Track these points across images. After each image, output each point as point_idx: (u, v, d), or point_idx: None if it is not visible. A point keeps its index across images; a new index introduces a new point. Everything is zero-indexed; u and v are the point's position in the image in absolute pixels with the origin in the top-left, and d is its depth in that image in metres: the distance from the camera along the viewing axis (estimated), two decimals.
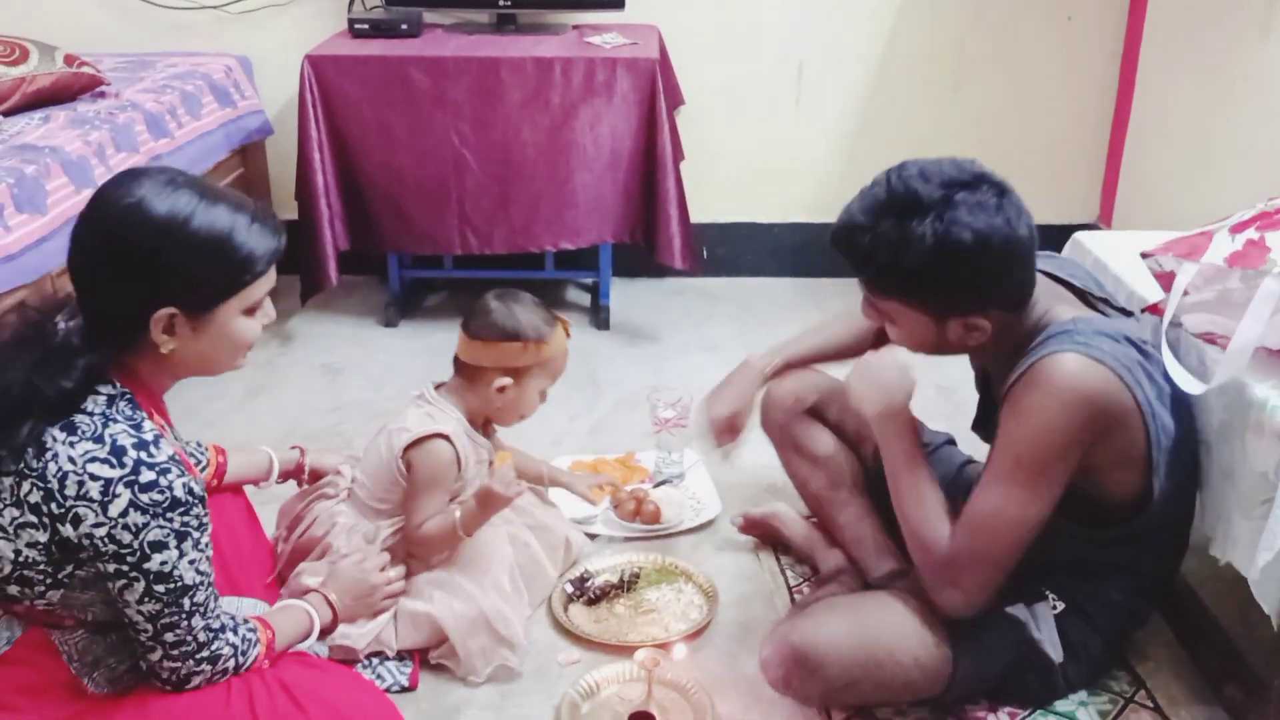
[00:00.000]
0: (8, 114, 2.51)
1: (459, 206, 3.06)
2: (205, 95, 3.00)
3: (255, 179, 3.30)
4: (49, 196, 2.16)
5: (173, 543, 1.31)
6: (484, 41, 3.14)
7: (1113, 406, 1.53)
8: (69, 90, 2.68)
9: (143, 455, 1.30)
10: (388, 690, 1.77)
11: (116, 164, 2.43)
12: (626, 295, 3.55)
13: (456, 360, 1.96)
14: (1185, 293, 1.70)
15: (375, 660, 1.83)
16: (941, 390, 2.86)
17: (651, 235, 3.11)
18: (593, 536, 2.22)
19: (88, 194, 2.24)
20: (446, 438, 1.87)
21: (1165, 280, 1.76)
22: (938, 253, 1.47)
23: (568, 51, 3.02)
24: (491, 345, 1.90)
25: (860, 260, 1.54)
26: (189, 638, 1.37)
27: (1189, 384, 1.63)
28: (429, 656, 1.86)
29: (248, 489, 1.93)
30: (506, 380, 1.91)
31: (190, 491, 1.32)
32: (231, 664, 1.42)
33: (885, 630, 1.58)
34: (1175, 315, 1.71)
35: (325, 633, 1.67)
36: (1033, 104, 3.57)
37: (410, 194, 3.06)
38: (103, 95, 2.76)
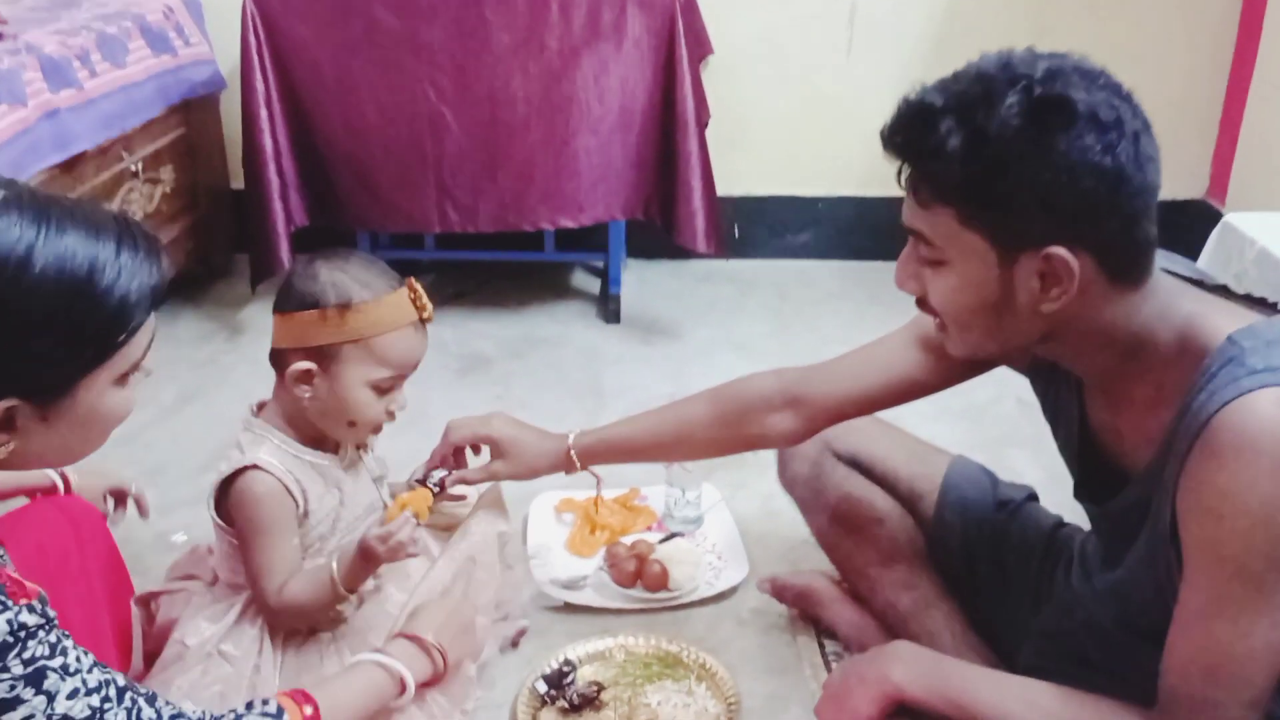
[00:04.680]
0: None
1: (436, 175, 2.61)
2: (133, 39, 2.51)
3: (201, 141, 2.83)
4: None
5: (28, 693, 0.96)
6: None
7: None
8: None
9: None
10: None
11: None
12: (641, 281, 3.14)
13: (271, 354, 1.51)
14: None
15: None
16: (1024, 405, 2.33)
17: (669, 211, 2.68)
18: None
19: None
20: (257, 467, 1.43)
21: None
22: (1031, 121, 1.04)
23: None
24: (285, 318, 1.45)
25: (917, 141, 1.10)
26: None
27: None
28: None
29: None
30: (307, 364, 1.43)
31: (18, 628, 0.95)
32: None
33: None
34: None
35: (428, 685, 1.40)
36: (1130, 56, 3.00)
37: (378, 160, 2.61)
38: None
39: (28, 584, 0.99)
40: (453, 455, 1.61)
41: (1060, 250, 1.06)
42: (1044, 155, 1.03)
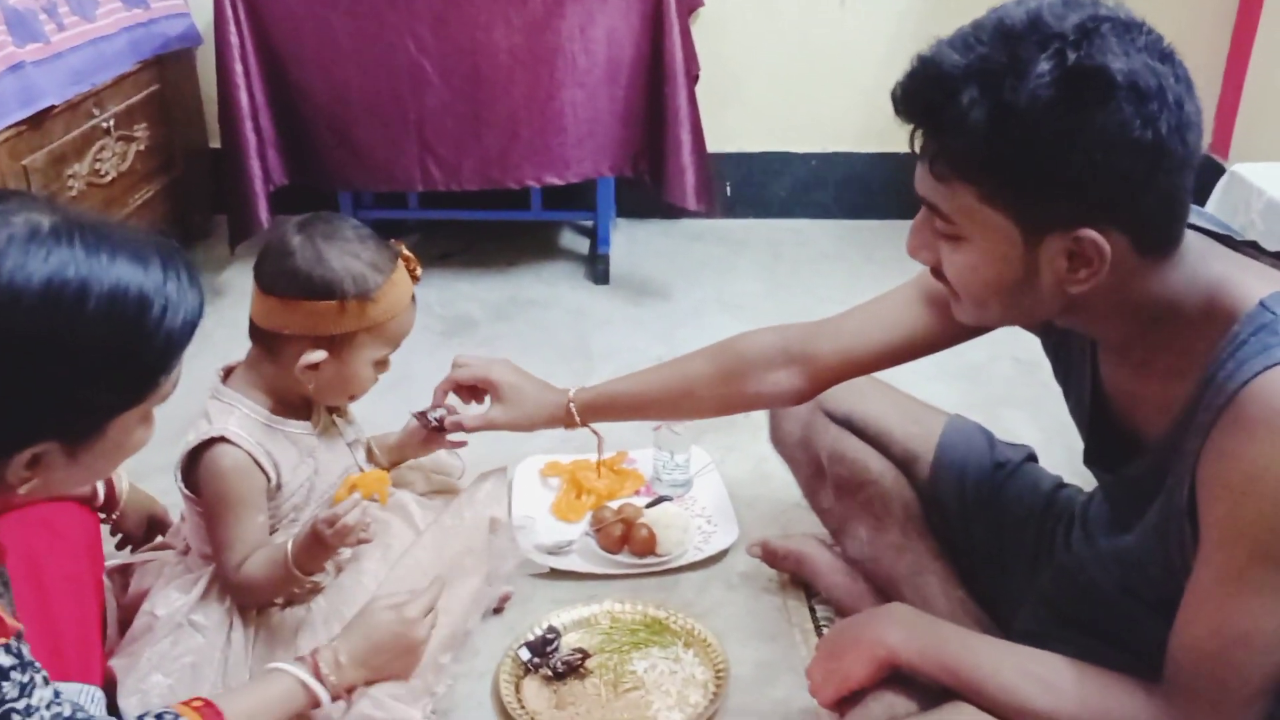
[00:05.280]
0: None
1: (418, 131, 2.52)
2: None
3: (177, 98, 2.73)
4: None
5: None
6: None
7: None
8: None
9: None
10: None
11: None
12: (631, 241, 3.07)
13: (250, 323, 1.43)
14: None
15: None
16: (1021, 365, 2.28)
17: (658, 168, 2.58)
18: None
19: None
20: (225, 439, 1.36)
21: None
22: (1064, 94, 0.92)
23: None
24: (293, 305, 1.35)
25: (936, 105, 0.98)
26: None
27: None
28: None
29: None
30: (318, 355, 1.37)
31: None
32: None
33: None
34: None
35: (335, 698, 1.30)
36: (1131, 7, 2.93)
37: (358, 116, 2.53)
38: None
39: (8, 621, 0.94)
40: (459, 394, 1.56)
41: (1091, 233, 0.97)
42: (1078, 132, 0.93)
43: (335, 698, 1.28)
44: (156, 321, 0.91)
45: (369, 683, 1.32)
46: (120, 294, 0.89)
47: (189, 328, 0.95)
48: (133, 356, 0.92)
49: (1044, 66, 0.92)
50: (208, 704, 1.13)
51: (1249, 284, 1.02)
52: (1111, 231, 0.98)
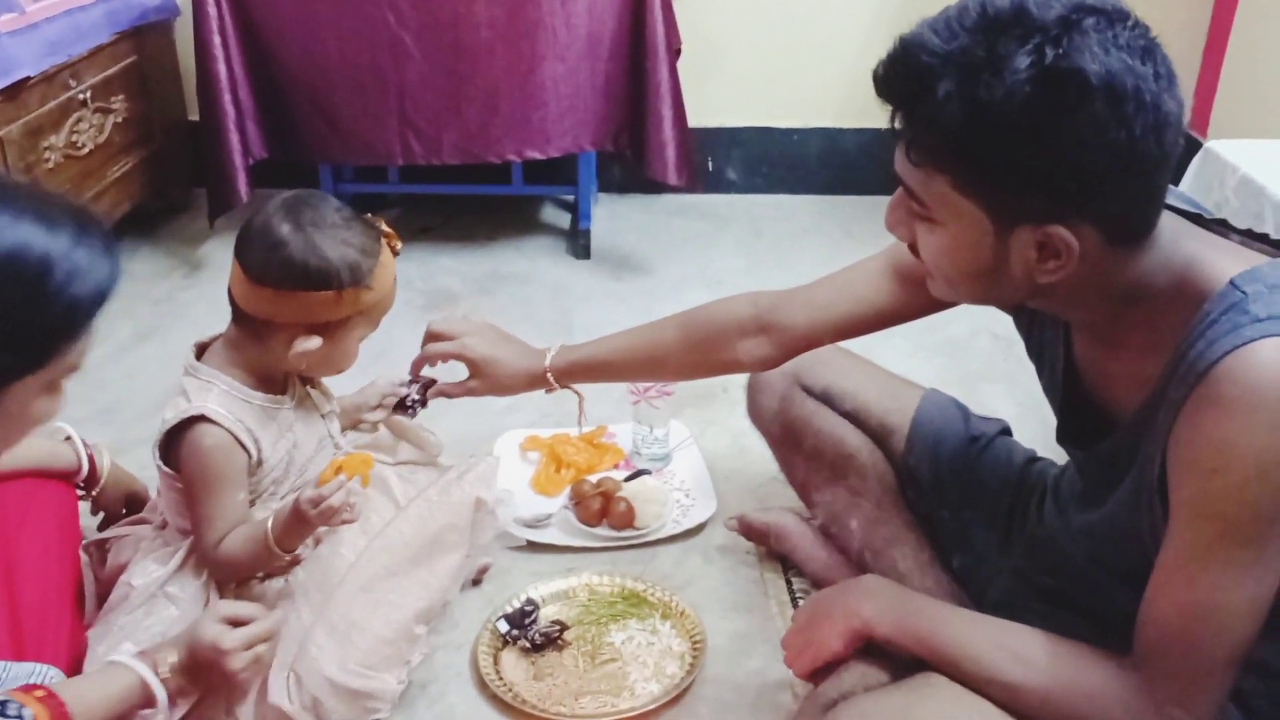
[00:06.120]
0: None
1: (398, 105, 2.50)
2: None
3: (155, 70, 2.71)
4: None
5: None
6: None
7: None
8: None
9: None
10: None
11: None
12: (612, 216, 3.04)
13: (234, 305, 1.40)
14: None
15: None
16: (999, 340, 2.30)
17: (639, 142, 2.57)
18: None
19: None
20: (206, 418, 1.35)
21: None
22: (1039, 94, 0.92)
23: None
24: (287, 296, 1.33)
25: (912, 93, 0.98)
26: None
27: None
28: None
29: None
30: (313, 343, 1.36)
31: None
32: None
33: None
34: None
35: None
36: None
37: (338, 89, 2.50)
38: None
39: None
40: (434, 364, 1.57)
41: (1060, 229, 0.98)
42: (1051, 132, 0.93)
43: (172, 700, 1.23)
44: (59, 286, 0.89)
45: (199, 689, 1.27)
46: (19, 254, 0.87)
47: (98, 297, 0.93)
48: (30, 319, 0.90)
49: (1021, 63, 0.91)
50: (50, 694, 1.10)
51: (1220, 263, 1.03)
52: (1082, 226, 0.98)
